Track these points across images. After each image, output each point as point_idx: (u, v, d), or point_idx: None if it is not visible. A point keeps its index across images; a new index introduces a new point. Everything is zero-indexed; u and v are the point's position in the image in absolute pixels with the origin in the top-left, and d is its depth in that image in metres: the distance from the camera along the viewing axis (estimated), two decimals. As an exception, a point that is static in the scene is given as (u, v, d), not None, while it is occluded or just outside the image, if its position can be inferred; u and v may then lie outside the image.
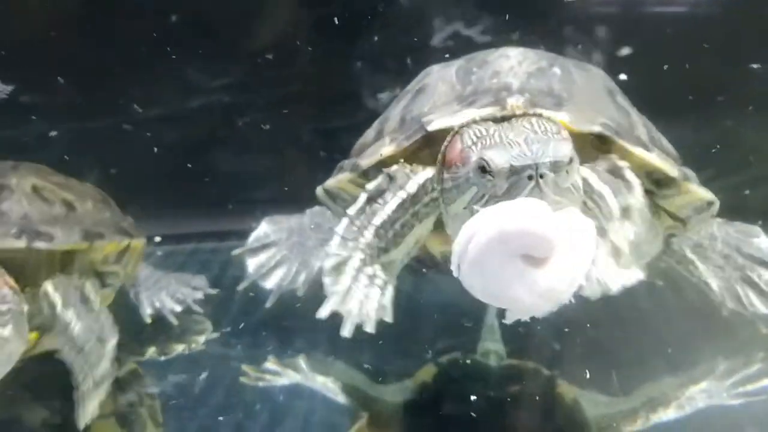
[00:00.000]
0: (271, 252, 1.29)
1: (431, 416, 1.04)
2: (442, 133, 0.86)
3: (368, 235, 0.88)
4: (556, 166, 0.70)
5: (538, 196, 0.69)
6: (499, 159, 0.71)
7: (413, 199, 0.88)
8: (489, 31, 1.54)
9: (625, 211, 0.82)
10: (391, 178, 0.89)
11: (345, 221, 0.89)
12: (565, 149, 0.72)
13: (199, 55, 1.55)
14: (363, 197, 0.89)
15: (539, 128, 0.76)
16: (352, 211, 0.89)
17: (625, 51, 1.47)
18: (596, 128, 0.88)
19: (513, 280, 0.69)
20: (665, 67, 1.43)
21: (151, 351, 1.21)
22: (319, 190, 1.10)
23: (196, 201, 1.64)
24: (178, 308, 1.26)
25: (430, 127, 0.89)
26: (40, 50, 1.49)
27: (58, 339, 0.96)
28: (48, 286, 0.96)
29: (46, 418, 1.05)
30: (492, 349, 1.16)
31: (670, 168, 0.92)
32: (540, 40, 1.30)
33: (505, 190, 0.71)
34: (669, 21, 1.53)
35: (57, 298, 0.95)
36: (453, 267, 0.72)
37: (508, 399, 1.05)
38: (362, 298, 0.87)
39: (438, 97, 0.99)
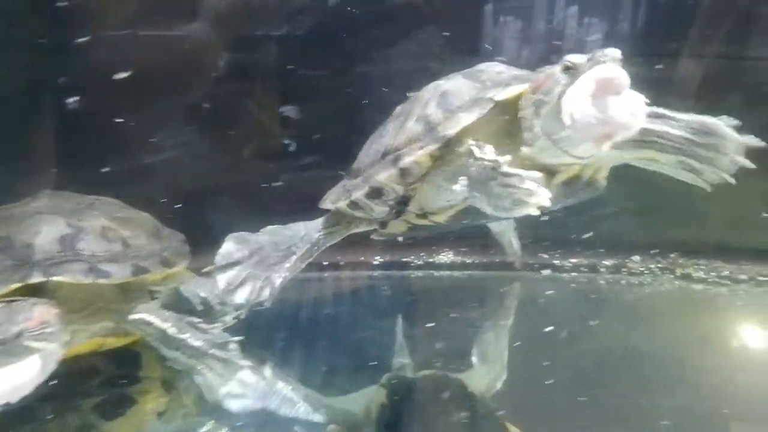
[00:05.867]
0: (237, 269, 1.41)
1: (368, 415, 1.23)
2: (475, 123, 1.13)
3: None
4: (615, 58, 0.98)
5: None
6: (577, 57, 1.01)
7: None
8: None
9: None
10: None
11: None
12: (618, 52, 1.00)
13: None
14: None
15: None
16: None
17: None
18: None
19: (601, 105, 0.99)
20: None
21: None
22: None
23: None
24: None
25: (498, 98, 1.13)
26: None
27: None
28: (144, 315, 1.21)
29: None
30: (405, 363, 1.41)
31: None
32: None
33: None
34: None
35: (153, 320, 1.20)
36: (565, 117, 1.01)
37: (424, 399, 1.30)
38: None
39: (467, 92, 1.20)
